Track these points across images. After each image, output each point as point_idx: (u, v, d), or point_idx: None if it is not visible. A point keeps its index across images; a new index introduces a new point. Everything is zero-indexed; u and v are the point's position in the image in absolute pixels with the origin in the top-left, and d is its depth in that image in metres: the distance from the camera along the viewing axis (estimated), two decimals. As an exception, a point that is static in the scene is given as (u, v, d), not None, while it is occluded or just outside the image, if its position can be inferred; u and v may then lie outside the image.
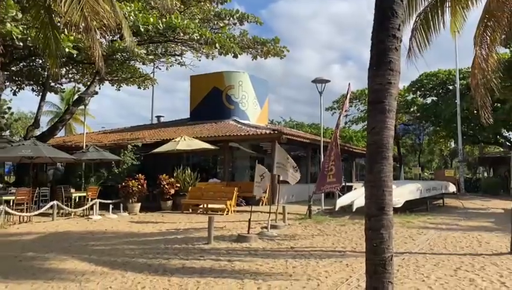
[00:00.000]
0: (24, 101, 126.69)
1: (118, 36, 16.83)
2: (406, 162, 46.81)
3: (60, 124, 22.40)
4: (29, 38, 13.30)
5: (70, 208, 14.14)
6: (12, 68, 20.51)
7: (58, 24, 9.60)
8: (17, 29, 13.03)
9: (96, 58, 9.05)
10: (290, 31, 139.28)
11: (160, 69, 23.05)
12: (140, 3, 16.34)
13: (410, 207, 14.32)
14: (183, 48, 20.52)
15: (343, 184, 16.37)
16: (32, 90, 23.60)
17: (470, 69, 9.03)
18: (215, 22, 19.97)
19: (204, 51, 19.87)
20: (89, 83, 20.80)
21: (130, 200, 15.35)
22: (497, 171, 29.06)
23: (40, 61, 20.48)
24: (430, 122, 33.84)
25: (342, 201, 13.27)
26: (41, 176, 21.72)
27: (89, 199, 14.70)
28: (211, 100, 22.91)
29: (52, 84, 22.80)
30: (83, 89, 22.39)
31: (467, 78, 24.99)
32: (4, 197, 12.74)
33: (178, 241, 9.15)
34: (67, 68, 21.36)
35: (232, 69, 24.40)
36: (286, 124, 43.15)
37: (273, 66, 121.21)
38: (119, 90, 24.09)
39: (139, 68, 22.17)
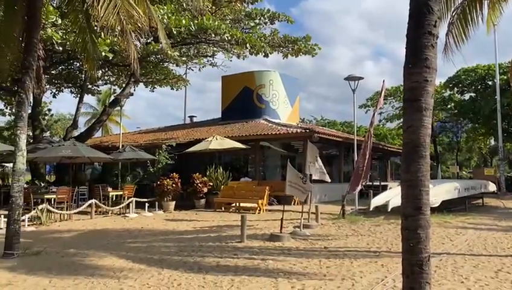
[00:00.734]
0: (63, 103, 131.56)
1: (152, 39, 17.24)
2: (443, 160, 45.44)
3: (97, 125, 23.18)
4: (68, 43, 13.79)
5: (108, 206, 14.57)
6: (52, 72, 21.36)
7: (95, 28, 9.89)
8: (57, 34, 13.57)
9: (132, 61, 9.34)
10: (321, 28, 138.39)
11: (192, 70, 23.51)
12: (172, 6, 16.62)
13: (448, 207, 13.93)
14: (215, 48, 20.76)
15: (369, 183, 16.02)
16: (71, 92, 24.50)
17: (510, 64, 8.68)
18: (246, 22, 20.01)
19: (235, 51, 20.00)
20: (124, 85, 21.38)
21: (165, 199, 15.67)
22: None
23: (78, 65, 21.17)
24: (468, 119, 32.72)
25: (376, 201, 13.01)
26: (79, 175, 22.50)
27: (126, 198, 15.12)
28: (242, 100, 23.04)
29: (89, 86, 23.57)
30: (118, 90, 23.02)
31: (507, 73, 24.00)
32: (46, 196, 13.34)
33: (212, 239, 9.27)
34: (104, 70, 21.99)
35: (262, 68, 24.56)
36: (317, 122, 42.73)
37: (303, 63, 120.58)
38: (153, 91, 24.67)
39: (172, 70, 22.53)
